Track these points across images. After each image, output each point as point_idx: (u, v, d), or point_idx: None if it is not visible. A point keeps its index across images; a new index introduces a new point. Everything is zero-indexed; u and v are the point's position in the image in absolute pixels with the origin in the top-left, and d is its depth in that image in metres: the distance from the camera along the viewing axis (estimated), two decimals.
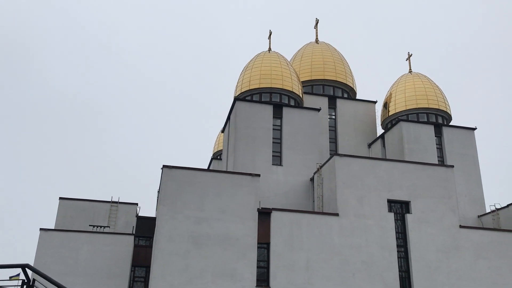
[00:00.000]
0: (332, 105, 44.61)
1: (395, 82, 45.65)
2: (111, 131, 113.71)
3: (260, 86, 39.64)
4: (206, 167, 53.79)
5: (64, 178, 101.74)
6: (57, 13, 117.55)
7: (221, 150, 51.78)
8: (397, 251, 29.89)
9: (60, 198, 35.62)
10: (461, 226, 31.34)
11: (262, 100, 39.38)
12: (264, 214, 28.88)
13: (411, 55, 46.82)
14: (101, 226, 33.33)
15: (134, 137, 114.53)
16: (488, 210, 37.59)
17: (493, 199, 55.62)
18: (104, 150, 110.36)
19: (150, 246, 30.97)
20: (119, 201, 35.87)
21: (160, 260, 26.49)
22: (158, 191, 30.69)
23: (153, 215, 38.12)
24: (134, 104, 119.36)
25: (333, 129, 44.02)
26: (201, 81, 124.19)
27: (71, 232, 30.30)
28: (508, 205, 34.65)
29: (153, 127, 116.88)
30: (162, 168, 28.63)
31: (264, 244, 28.40)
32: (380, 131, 45.18)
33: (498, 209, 35.50)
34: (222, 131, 43.59)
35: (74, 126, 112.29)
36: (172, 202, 27.72)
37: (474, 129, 41.62)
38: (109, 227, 33.94)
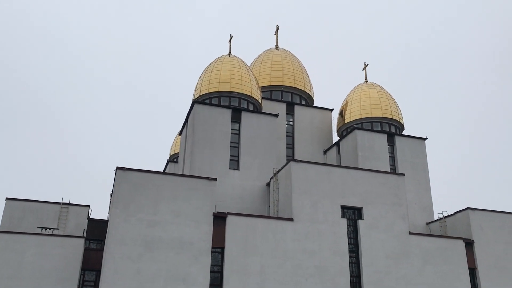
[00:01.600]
0: (290, 111, 45.14)
1: (351, 91, 46.77)
2: (63, 129, 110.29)
3: (219, 90, 39.58)
4: (162, 170, 53.06)
5: (12, 177, 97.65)
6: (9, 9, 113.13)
7: (178, 153, 51.25)
8: (349, 256, 30.54)
9: (7, 198, 34.15)
10: (410, 233, 32.40)
11: (221, 104, 39.33)
12: (220, 219, 28.82)
13: (367, 65, 48.15)
14: (50, 228, 32.20)
15: (88, 137, 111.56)
16: (436, 218, 39.06)
17: (441, 207, 57.84)
18: (55, 149, 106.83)
19: (101, 250, 30.19)
20: (70, 202, 34.79)
21: (111, 264, 25.91)
22: (111, 193, 29.99)
23: (106, 218, 37.21)
24: (88, 103, 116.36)
25: (290, 135, 44.52)
26: (160, 82, 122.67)
27: (16, 234, 29.05)
28: (454, 213, 36.09)
29: (108, 127, 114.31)
30: (115, 170, 28.06)
31: (218, 248, 28.32)
32: (335, 138, 46.15)
33: (445, 217, 36.92)
34: (180, 133, 43.18)
35: (23, 124, 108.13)
36: (125, 205, 27.20)
37: (425, 139, 43.20)
38: (58, 229, 32.83)
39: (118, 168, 28.02)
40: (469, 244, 33.70)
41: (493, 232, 34.62)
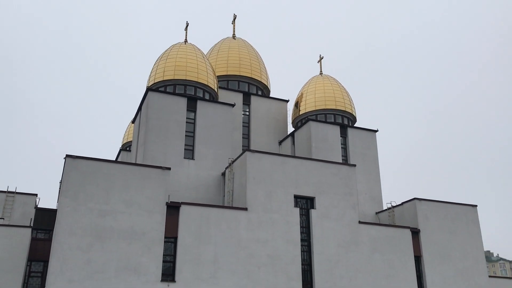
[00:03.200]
0: (247, 102, 45.18)
1: (307, 83, 47.35)
2: (10, 115, 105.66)
3: (175, 78, 39.02)
4: (114, 159, 51.89)
5: None
6: None
7: (131, 141, 50.23)
8: (301, 245, 31.13)
9: None
10: (360, 222, 33.37)
11: (176, 92, 38.80)
12: (173, 208, 28.60)
13: (322, 58, 48.81)
14: None
15: (37, 123, 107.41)
16: (385, 207, 40.41)
17: (390, 197, 59.94)
18: (1, 135, 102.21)
19: (50, 240, 29.30)
20: (16, 191, 33.43)
21: (60, 254, 25.24)
22: (60, 182, 29.07)
23: (55, 207, 36.02)
24: (38, 89, 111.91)
25: (246, 125, 44.60)
26: (113, 69, 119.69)
27: None
28: (402, 203, 37.45)
29: (59, 113, 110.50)
30: (65, 158, 27.23)
31: (171, 238, 28.14)
32: (291, 129, 46.68)
33: (393, 207, 38.26)
34: (133, 121, 42.29)
35: None
36: (74, 194, 26.50)
37: (376, 131, 44.43)
38: (3, 219, 31.49)
39: (67, 156, 27.22)
40: (415, 233, 35.11)
41: (437, 222, 36.22)
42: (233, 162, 34.19)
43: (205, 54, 44.32)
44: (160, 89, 39.01)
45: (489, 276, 37.89)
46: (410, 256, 33.98)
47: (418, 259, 34.67)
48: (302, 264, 30.71)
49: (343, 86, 46.46)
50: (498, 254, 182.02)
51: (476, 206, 38.30)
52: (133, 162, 37.94)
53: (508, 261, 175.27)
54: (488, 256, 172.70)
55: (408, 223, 36.03)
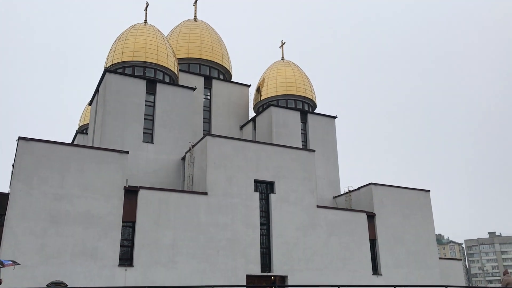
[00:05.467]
0: (208, 85, 44.77)
1: (268, 68, 47.37)
2: None
3: (134, 59, 38.11)
4: (70, 142, 50.42)
5: None
6: None
7: (88, 124, 48.89)
8: (260, 229, 31.45)
9: None
10: (318, 206, 34.03)
11: (135, 74, 37.94)
12: (131, 192, 28.20)
13: (284, 43, 48.89)
14: None
15: None
16: (342, 192, 41.30)
17: (347, 182, 61.47)
18: None
19: (1, 225, 28.32)
20: None
21: (12, 240, 24.50)
22: (13, 165, 28.05)
23: (7, 191, 34.69)
24: None
25: (207, 109, 44.27)
26: (70, 49, 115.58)
27: None
28: (358, 188, 38.39)
29: (12, 93, 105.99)
30: (17, 140, 26.26)
31: (129, 222, 27.80)
32: (252, 114, 46.71)
33: (350, 191, 39.17)
34: (90, 103, 41.13)
35: None
36: (27, 177, 25.67)
37: (335, 117, 45.11)
38: None
39: (20, 138, 26.27)
40: (370, 217, 36.13)
41: (392, 206, 37.37)
42: (193, 146, 33.96)
43: (166, 36, 43.47)
44: (118, 70, 38.03)
45: (439, 258, 39.64)
46: (365, 239, 35.00)
47: (373, 242, 35.75)
48: (261, 248, 31.07)
49: (304, 72, 46.79)
50: (448, 237, 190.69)
51: (429, 191, 39.73)
52: (90, 145, 37.02)
53: (457, 243, 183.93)
54: (439, 239, 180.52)
55: (364, 207, 37.02)
